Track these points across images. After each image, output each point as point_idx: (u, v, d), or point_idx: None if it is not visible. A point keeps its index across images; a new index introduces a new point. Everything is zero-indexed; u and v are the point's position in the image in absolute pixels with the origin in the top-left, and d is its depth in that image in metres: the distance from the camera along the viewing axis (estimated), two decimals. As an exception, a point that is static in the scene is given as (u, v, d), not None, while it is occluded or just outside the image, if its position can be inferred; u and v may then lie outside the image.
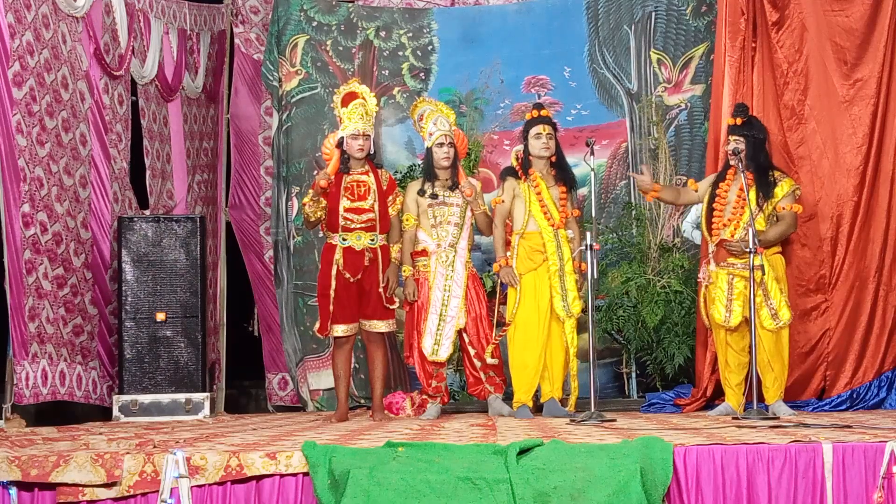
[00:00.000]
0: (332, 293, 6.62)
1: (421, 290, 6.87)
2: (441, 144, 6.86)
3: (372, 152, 6.75)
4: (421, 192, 6.89)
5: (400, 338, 8.14)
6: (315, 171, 8.55)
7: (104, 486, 4.11)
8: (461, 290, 6.85)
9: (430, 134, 6.91)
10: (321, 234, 8.10)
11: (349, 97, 6.75)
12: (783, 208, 6.46)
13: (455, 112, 7.30)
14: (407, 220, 6.89)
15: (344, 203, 6.61)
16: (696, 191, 6.73)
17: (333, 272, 6.62)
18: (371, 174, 6.70)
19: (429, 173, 6.91)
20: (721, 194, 6.54)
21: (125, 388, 7.46)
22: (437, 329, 6.80)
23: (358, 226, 6.62)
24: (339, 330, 6.66)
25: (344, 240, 6.63)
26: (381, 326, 6.72)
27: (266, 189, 9.14)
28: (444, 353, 6.81)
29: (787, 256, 6.79)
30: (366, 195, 6.64)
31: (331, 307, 6.63)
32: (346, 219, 6.61)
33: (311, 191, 6.65)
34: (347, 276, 6.60)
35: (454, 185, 6.88)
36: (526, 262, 6.71)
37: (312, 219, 6.69)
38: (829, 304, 6.98)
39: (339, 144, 6.72)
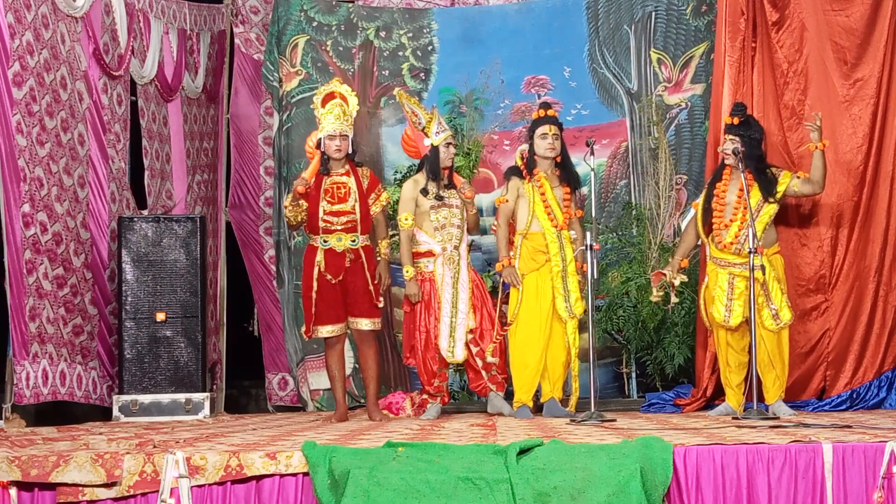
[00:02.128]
0: (314, 295, 6.61)
1: (427, 290, 6.85)
2: (449, 145, 6.88)
3: (350, 152, 6.70)
4: (424, 192, 6.86)
5: (400, 337, 8.13)
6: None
7: (104, 486, 4.12)
8: (468, 290, 6.85)
9: (437, 133, 6.88)
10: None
11: (328, 98, 6.72)
12: (800, 176, 6.47)
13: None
14: (406, 219, 6.86)
15: (323, 206, 6.59)
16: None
17: (315, 274, 6.60)
18: (351, 175, 6.67)
19: (434, 172, 6.89)
20: (719, 195, 6.54)
21: (125, 388, 7.46)
22: (451, 331, 6.79)
23: (338, 227, 6.60)
24: (325, 331, 6.65)
25: (325, 241, 6.62)
26: (365, 324, 6.68)
27: (266, 189, 9.15)
28: (460, 354, 6.79)
29: (787, 256, 6.80)
30: (346, 197, 6.62)
31: (313, 309, 6.62)
32: (326, 221, 6.59)
33: (289, 195, 6.64)
34: (329, 277, 6.59)
35: (449, 185, 6.88)
36: (529, 262, 6.71)
37: (293, 222, 6.69)
38: (829, 304, 6.98)
39: (319, 145, 6.69)
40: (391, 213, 7.47)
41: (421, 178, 6.91)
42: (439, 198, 6.84)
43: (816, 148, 6.44)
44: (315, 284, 6.61)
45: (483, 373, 6.92)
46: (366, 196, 6.67)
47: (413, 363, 6.99)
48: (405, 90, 8.13)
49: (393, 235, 7.19)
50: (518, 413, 6.63)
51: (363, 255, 6.64)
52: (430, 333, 6.82)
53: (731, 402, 6.51)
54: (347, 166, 6.69)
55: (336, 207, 6.59)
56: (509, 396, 6.91)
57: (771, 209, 6.48)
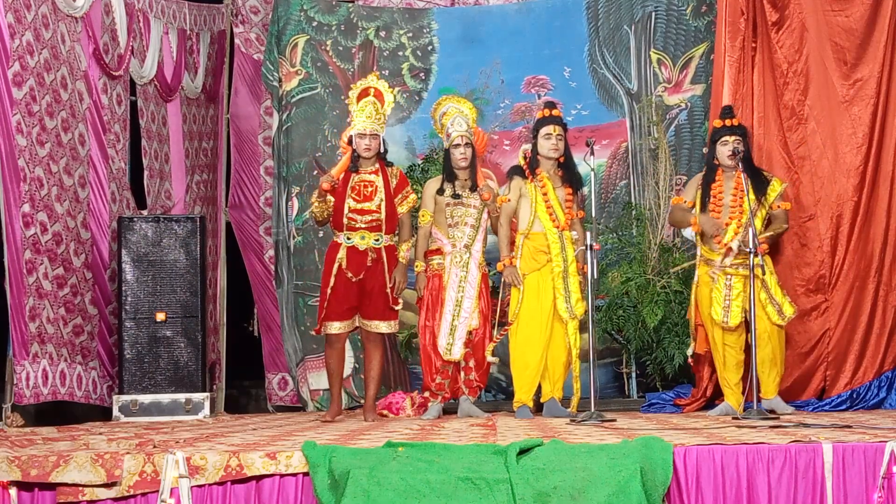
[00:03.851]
0: (329, 290, 6.59)
1: (434, 287, 6.86)
2: (458, 146, 6.85)
3: (381, 151, 6.69)
4: (440, 192, 6.88)
5: (400, 337, 8.13)
6: (315, 171, 8.56)
7: (104, 486, 4.11)
8: (475, 290, 6.85)
9: (448, 135, 6.91)
10: (321, 235, 8.09)
11: (363, 94, 6.72)
12: (777, 206, 6.54)
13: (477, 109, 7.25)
14: (423, 216, 6.90)
15: (349, 203, 6.57)
16: (686, 202, 6.74)
17: (334, 270, 6.58)
18: (380, 174, 6.65)
19: (449, 174, 6.90)
20: (716, 195, 6.56)
21: (125, 388, 7.46)
22: (451, 329, 6.80)
23: (362, 225, 6.58)
24: (334, 327, 6.62)
25: (348, 239, 6.60)
26: (382, 327, 6.67)
27: (266, 189, 9.15)
28: (458, 352, 6.80)
29: (787, 256, 6.82)
30: (372, 195, 6.60)
31: (325, 304, 6.61)
32: (350, 219, 6.57)
33: (316, 190, 6.64)
34: (349, 275, 6.57)
35: (474, 187, 6.88)
36: (530, 262, 6.71)
37: (319, 217, 6.67)
38: (829, 304, 6.99)
39: (350, 142, 6.70)
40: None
41: (440, 178, 6.97)
42: (456, 196, 6.85)
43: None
44: (333, 280, 6.58)
45: (462, 374, 6.91)
46: (392, 196, 6.65)
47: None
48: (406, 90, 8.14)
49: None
50: (518, 413, 6.63)
51: (385, 256, 6.60)
52: (434, 330, 6.84)
53: (731, 402, 6.52)
54: (377, 165, 6.66)
55: (361, 205, 6.57)
56: (509, 397, 6.91)
57: (763, 212, 6.52)
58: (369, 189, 6.59)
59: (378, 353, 6.73)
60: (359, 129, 6.60)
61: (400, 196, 6.69)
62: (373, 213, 6.57)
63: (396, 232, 6.75)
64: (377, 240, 6.60)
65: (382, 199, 6.59)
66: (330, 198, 6.57)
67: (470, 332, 6.85)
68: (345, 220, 6.57)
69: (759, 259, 6.04)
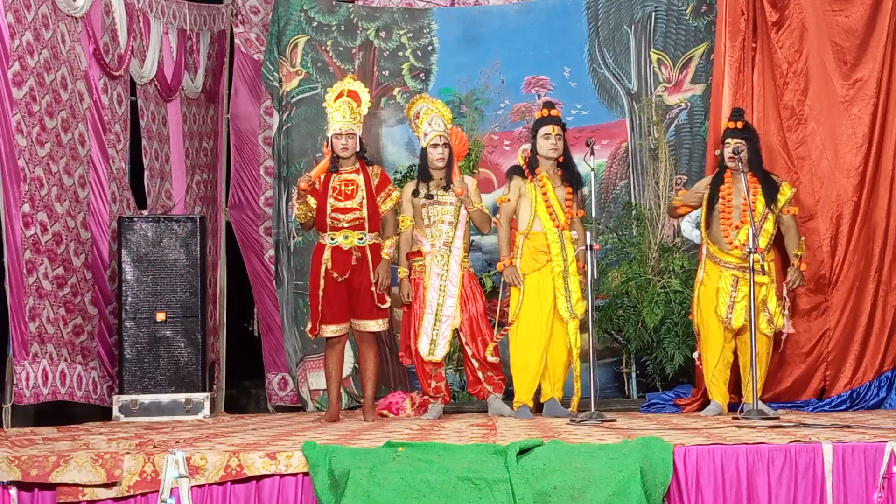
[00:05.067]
0: (321, 293, 6.61)
1: (416, 290, 6.87)
2: (436, 145, 6.84)
3: (358, 150, 6.68)
4: (415, 193, 6.88)
5: (400, 338, 8.14)
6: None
7: (104, 486, 4.12)
8: (456, 289, 6.83)
9: (425, 134, 6.89)
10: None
11: (338, 97, 6.72)
12: (787, 212, 6.55)
13: (453, 111, 7.27)
14: (403, 220, 6.88)
15: (331, 203, 6.58)
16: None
17: (322, 272, 6.60)
18: (361, 173, 6.66)
19: (424, 174, 6.91)
20: (725, 197, 6.55)
21: (125, 388, 7.46)
22: (433, 329, 6.79)
23: (345, 225, 6.59)
24: (329, 330, 6.63)
25: (332, 239, 6.61)
26: (371, 326, 6.67)
27: (266, 189, 9.15)
28: (441, 352, 6.81)
29: (787, 257, 6.81)
30: (353, 194, 6.60)
31: (320, 307, 6.62)
32: (333, 218, 6.58)
33: (295, 191, 6.65)
34: (336, 275, 6.58)
35: (448, 185, 6.87)
36: (530, 262, 6.71)
37: (303, 220, 6.68)
38: (829, 304, 6.99)
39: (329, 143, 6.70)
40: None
41: (416, 181, 6.95)
42: (430, 196, 6.84)
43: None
44: (322, 283, 6.60)
45: (480, 374, 6.91)
46: (374, 194, 6.66)
47: (408, 362, 7.01)
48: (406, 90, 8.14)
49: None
50: (518, 413, 6.63)
51: (369, 254, 6.61)
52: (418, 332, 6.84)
53: (719, 400, 6.56)
54: (357, 164, 6.67)
55: (343, 204, 6.58)
56: (509, 396, 6.91)
57: (773, 216, 6.53)
58: (350, 188, 6.60)
59: (372, 353, 6.73)
60: (335, 129, 6.60)
61: (383, 194, 6.69)
62: (355, 210, 6.58)
63: (381, 230, 6.75)
64: (361, 238, 6.60)
65: (364, 197, 6.60)
66: (312, 200, 6.58)
67: (458, 330, 6.85)
68: (328, 221, 6.58)
69: (760, 258, 6.06)
